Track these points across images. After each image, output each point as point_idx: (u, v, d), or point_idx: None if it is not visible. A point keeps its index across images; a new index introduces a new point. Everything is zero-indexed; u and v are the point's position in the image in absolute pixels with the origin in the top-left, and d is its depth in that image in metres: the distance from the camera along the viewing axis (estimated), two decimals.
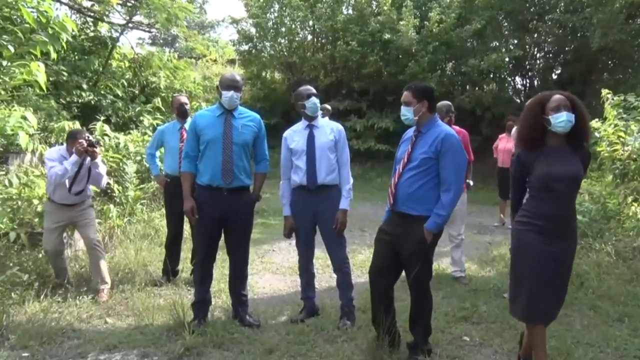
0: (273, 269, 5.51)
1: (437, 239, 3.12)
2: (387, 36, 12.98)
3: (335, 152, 3.84)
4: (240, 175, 3.63)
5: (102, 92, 9.96)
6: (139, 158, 7.36)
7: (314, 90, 3.88)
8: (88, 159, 4.22)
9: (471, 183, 5.16)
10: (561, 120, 2.73)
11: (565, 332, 3.66)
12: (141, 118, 9.43)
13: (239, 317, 3.79)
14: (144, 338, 3.52)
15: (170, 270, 4.72)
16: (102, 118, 8.28)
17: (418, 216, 3.06)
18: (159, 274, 4.82)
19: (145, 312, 3.90)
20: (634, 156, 6.01)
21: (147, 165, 7.59)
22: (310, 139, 3.82)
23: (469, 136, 5.05)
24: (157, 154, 5.11)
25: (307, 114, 3.84)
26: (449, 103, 5.04)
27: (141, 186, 7.11)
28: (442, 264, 5.51)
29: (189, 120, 4.65)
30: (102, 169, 4.42)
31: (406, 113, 3.15)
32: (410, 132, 3.26)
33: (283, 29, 14.81)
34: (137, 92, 11.07)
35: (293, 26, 14.71)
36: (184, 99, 4.85)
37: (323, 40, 15.29)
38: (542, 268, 2.79)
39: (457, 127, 4.84)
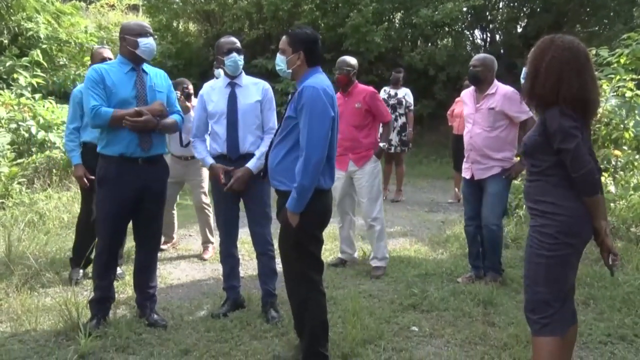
0: (190, 256, 5.54)
1: (312, 220, 2.98)
2: None
3: (261, 117, 3.90)
4: (157, 141, 3.70)
5: None
6: (13, 126, 7.04)
7: (237, 44, 3.87)
8: None
9: (383, 145, 5.06)
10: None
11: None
12: (15, 75, 8.98)
13: (146, 315, 3.78)
14: (24, 347, 3.39)
15: (82, 259, 4.55)
16: None
17: (284, 192, 3.00)
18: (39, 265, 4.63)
19: (25, 315, 3.77)
20: (605, 120, 6.28)
21: (27, 136, 7.30)
22: (232, 100, 3.82)
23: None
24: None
25: (227, 72, 3.86)
26: (344, 60, 4.92)
27: (19, 161, 6.81)
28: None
29: None
30: None
31: (280, 63, 3.13)
32: None
33: None
34: (6, 41, 10.46)
35: None
36: (107, 52, 4.63)
37: None
38: None
39: (363, 86, 4.99)
